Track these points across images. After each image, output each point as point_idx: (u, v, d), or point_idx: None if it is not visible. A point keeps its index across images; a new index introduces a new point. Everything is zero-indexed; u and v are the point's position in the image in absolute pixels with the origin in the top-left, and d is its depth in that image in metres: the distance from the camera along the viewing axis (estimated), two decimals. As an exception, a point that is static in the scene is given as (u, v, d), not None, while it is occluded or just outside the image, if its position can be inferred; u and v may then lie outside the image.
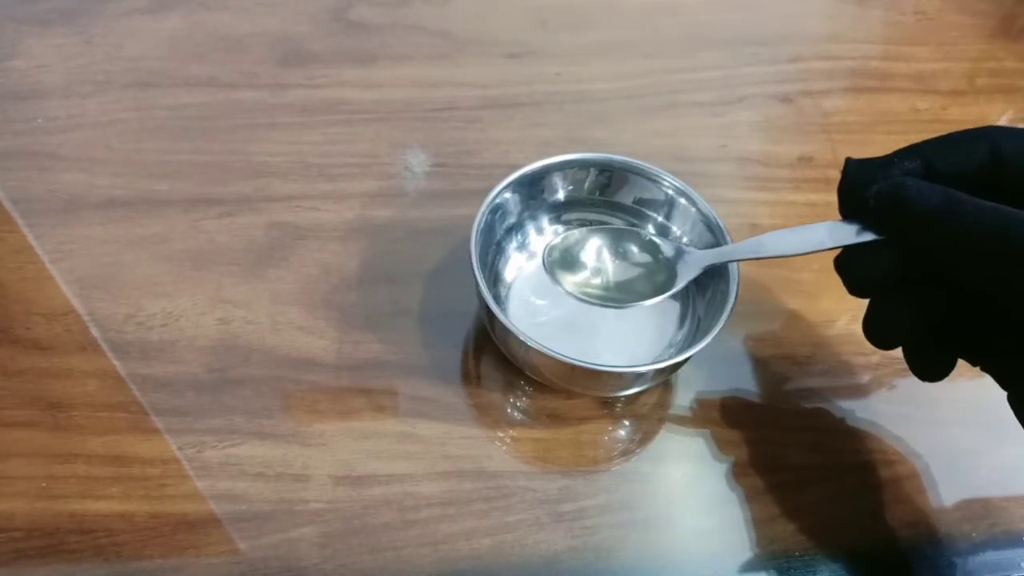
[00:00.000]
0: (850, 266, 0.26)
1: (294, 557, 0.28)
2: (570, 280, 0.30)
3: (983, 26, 0.52)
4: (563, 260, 0.30)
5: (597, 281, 0.30)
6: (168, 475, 0.30)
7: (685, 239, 0.34)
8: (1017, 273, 0.22)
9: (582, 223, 0.36)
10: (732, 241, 0.31)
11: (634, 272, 0.30)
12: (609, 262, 0.31)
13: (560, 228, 0.36)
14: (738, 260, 0.30)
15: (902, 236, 0.24)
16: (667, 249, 0.30)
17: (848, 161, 0.26)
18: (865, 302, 0.27)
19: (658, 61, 0.47)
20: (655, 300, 0.29)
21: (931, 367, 0.27)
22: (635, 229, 0.31)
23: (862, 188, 0.25)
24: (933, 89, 0.47)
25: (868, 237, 0.25)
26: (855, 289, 0.26)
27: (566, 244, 0.31)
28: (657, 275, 0.30)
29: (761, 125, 0.44)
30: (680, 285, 0.29)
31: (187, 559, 0.28)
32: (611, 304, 0.30)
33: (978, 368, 0.27)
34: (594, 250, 0.31)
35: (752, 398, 0.34)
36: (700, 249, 0.30)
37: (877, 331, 0.26)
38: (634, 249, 0.31)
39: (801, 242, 0.26)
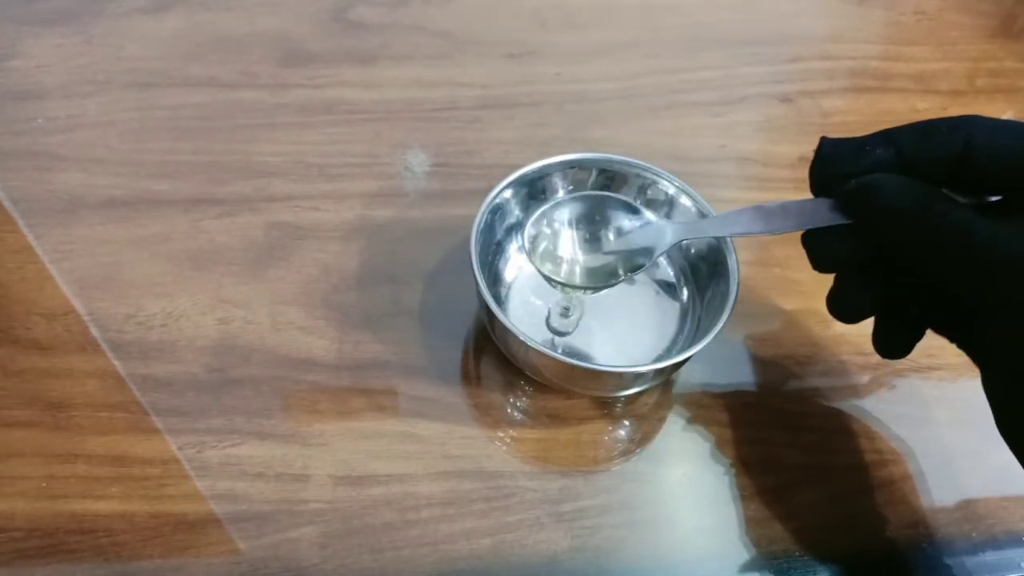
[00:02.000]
0: (817, 243, 0.26)
1: (294, 557, 0.28)
2: (549, 267, 0.30)
3: (983, 26, 0.52)
4: (544, 250, 0.30)
5: (575, 269, 0.30)
6: (168, 475, 0.30)
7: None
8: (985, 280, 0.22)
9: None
10: (732, 241, 0.31)
11: (608, 259, 0.31)
12: (586, 247, 0.31)
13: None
14: (709, 236, 0.30)
15: (873, 230, 0.25)
16: (642, 224, 0.30)
17: (823, 141, 0.26)
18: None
19: (658, 61, 0.47)
20: (628, 277, 0.30)
21: (894, 344, 0.28)
22: (609, 196, 0.31)
23: (834, 169, 0.25)
24: (933, 89, 0.47)
25: (837, 220, 0.25)
26: (820, 265, 0.27)
27: (544, 231, 0.31)
28: (635, 257, 0.30)
29: (761, 125, 0.44)
30: (652, 261, 0.29)
31: (187, 559, 0.28)
32: (589, 289, 0.30)
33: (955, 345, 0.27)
34: (570, 238, 0.31)
35: (752, 398, 0.34)
36: (675, 222, 0.31)
37: (840, 307, 0.27)
38: (610, 235, 0.31)
39: (772, 222, 0.27)
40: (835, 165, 0.25)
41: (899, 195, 0.24)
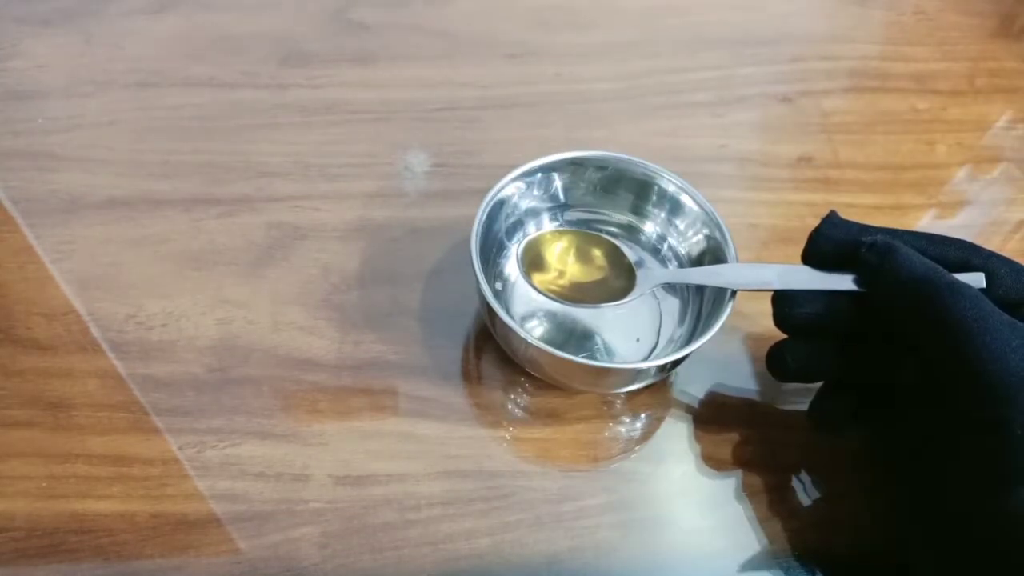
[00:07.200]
0: (785, 300, 0.28)
1: (294, 557, 0.28)
2: (539, 278, 0.31)
3: (983, 26, 0.52)
4: (534, 259, 0.31)
5: (562, 281, 0.31)
6: (168, 475, 0.30)
7: (690, 233, 0.34)
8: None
9: (582, 221, 0.36)
10: (732, 240, 0.31)
11: (597, 275, 0.31)
12: (575, 264, 0.32)
13: (561, 225, 0.36)
14: (694, 283, 0.32)
15: (879, 288, 0.27)
16: (631, 257, 0.31)
17: (831, 213, 0.29)
18: None
19: (658, 61, 0.47)
20: (611, 304, 0.30)
21: (828, 414, 0.30)
22: (602, 235, 0.33)
23: (831, 241, 0.28)
24: (933, 89, 0.47)
25: (814, 285, 0.28)
26: (782, 323, 0.29)
27: (538, 244, 0.32)
28: (618, 280, 0.31)
29: (761, 125, 0.44)
30: (635, 297, 0.30)
31: (187, 559, 0.28)
32: (570, 303, 0.31)
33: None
34: (562, 251, 0.32)
35: (752, 397, 0.34)
36: (659, 264, 0.33)
37: (779, 364, 0.29)
38: (599, 253, 0.32)
39: (753, 279, 0.29)
40: (834, 237, 0.28)
41: (915, 263, 0.26)
